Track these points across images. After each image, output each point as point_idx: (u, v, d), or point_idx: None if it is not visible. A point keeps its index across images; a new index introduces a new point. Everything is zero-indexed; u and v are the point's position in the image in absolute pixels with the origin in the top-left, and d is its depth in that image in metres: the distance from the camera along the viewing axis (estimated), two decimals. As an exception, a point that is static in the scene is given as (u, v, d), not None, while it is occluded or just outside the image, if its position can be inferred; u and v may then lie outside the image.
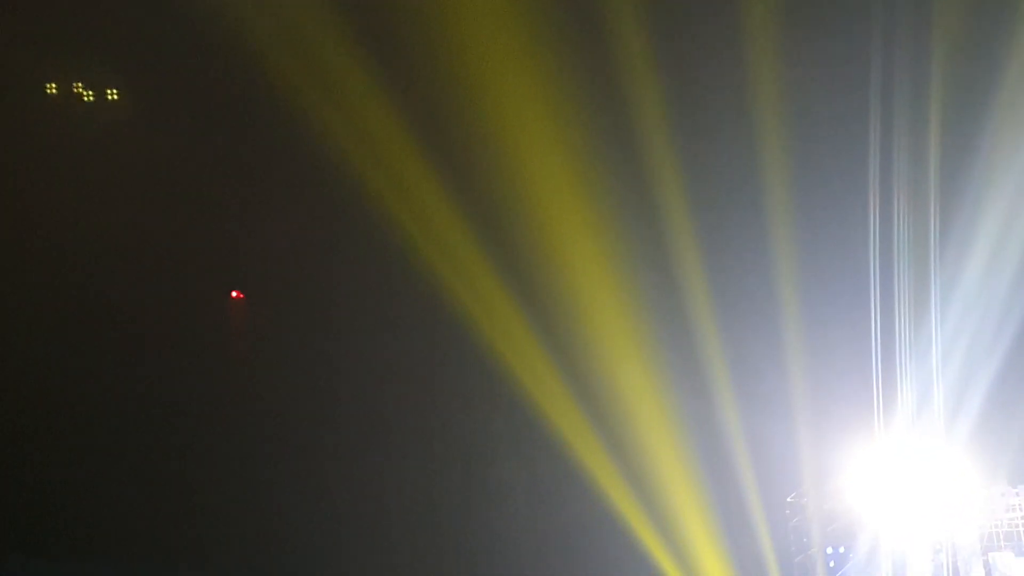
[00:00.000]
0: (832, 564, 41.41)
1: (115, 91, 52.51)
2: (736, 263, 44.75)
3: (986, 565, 40.92)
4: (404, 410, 48.51)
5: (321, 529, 45.86)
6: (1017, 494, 41.94)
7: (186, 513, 46.41)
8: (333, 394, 48.98)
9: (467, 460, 48.48)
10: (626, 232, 44.85)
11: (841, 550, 41.28)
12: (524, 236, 45.59)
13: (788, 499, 42.57)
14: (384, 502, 47.39)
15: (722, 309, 43.56)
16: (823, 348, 42.69)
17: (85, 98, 52.50)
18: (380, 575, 45.73)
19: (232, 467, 48.12)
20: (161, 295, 51.12)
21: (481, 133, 46.50)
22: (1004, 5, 35.14)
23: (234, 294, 52.78)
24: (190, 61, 49.59)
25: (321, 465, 47.93)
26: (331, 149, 46.04)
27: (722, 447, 43.04)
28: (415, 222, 46.00)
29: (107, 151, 51.21)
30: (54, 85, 52.04)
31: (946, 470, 39.12)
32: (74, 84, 52.14)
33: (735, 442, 43.04)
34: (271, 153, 51.30)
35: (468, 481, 48.27)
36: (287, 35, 45.22)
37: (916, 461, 38.84)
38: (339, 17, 44.95)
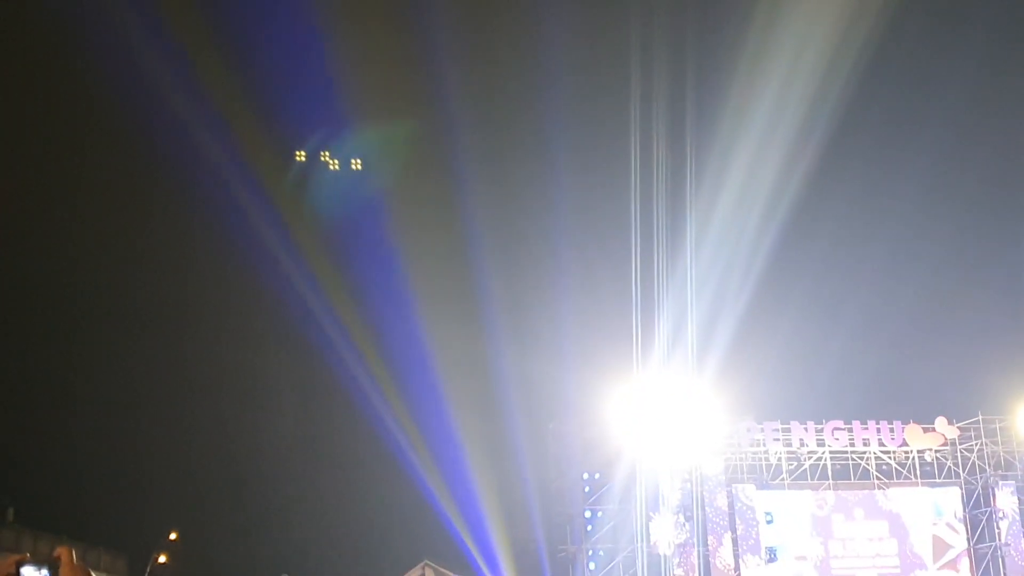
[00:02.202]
0: (587, 489, 43.23)
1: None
2: (511, 209, 45.79)
3: (729, 495, 43.61)
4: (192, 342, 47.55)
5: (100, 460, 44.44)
6: (762, 430, 44.72)
7: None
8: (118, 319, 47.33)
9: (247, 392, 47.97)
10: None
11: (597, 476, 43.12)
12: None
13: (550, 426, 44.03)
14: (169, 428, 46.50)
15: (495, 251, 44.50)
16: (587, 287, 44.29)
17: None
18: (159, 491, 45.07)
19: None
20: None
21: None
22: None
23: None
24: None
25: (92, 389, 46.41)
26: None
27: (491, 379, 44.11)
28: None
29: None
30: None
31: (696, 405, 41.21)
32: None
33: (503, 375, 44.22)
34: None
35: (247, 408, 47.79)
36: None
37: (669, 395, 40.78)
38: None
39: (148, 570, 37.96)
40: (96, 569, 36.31)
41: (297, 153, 51.36)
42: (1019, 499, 45.49)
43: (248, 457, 43.92)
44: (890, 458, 45.63)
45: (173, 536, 39.62)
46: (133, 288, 49.14)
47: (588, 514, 42.96)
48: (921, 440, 45.75)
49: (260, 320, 47.29)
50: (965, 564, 45.65)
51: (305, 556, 36.92)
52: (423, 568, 37.19)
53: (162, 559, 39.40)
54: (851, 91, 36.16)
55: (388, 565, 38.42)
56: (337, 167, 49.67)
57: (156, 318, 47.30)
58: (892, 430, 45.38)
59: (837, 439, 44.96)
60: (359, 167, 50.04)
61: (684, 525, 41.95)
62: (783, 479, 44.65)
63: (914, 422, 45.65)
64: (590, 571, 41.94)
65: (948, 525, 46.05)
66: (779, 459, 44.74)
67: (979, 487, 46.00)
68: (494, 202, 44.24)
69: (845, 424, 45.06)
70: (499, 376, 44.27)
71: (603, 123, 39.22)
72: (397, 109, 45.29)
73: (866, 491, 45.47)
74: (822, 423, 44.89)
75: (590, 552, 42.42)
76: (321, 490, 43.23)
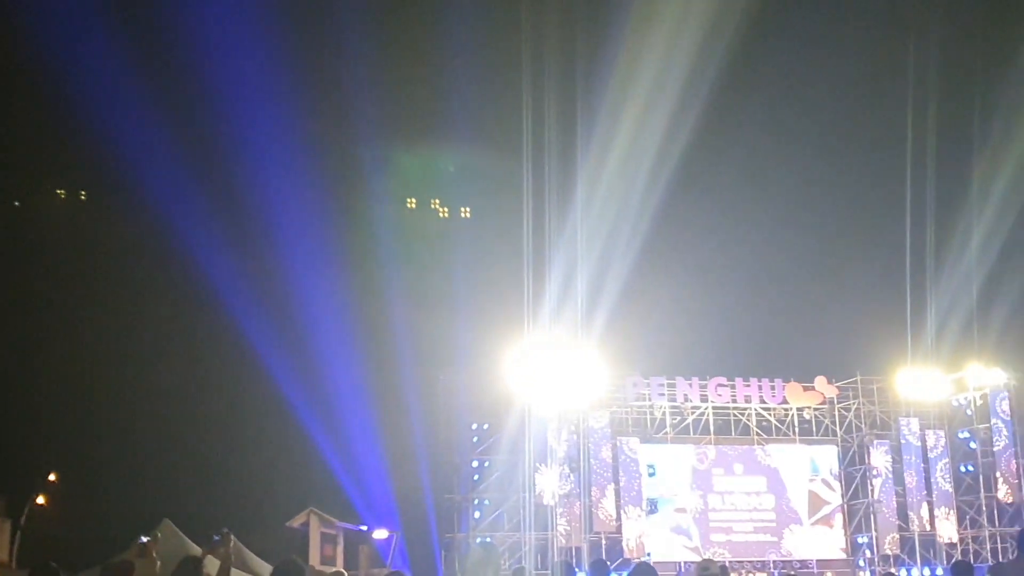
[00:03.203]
0: (475, 439, 43.70)
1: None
2: (404, 163, 45.66)
3: (614, 448, 44.53)
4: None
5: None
6: (648, 385, 45.71)
7: None
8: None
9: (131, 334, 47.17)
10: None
11: (485, 427, 43.61)
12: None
13: (440, 377, 44.29)
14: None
15: (388, 203, 44.41)
16: (479, 243, 44.59)
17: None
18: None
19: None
20: None
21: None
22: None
23: None
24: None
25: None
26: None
27: (383, 330, 44.13)
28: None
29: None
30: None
31: (585, 360, 41.87)
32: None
33: (395, 326, 44.36)
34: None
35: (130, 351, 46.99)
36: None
37: (558, 350, 41.33)
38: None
39: (26, 511, 37.47)
40: (-29, 509, 35.81)
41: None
42: (892, 458, 47.29)
43: (131, 400, 43.47)
44: (770, 415, 46.98)
45: (52, 477, 39.14)
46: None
47: (475, 464, 43.45)
48: (801, 398, 47.19)
49: (145, 265, 46.55)
50: (839, 519, 47.41)
51: (187, 501, 36.65)
52: (308, 515, 37.22)
53: (40, 500, 38.91)
54: (740, 51, 36.80)
55: (272, 512, 38.36)
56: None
57: (39, 257, 46.33)
58: (773, 388, 46.71)
59: (720, 395, 46.15)
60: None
61: (569, 476, 42.71)
62: (667, 433, 45.69)
63: (795, 381, 47.09)
64: (475, 519, 42.50)
65: (824, 481, 47.71)
66: (663, 413, 45.75)
67: (855, 445, 47.70)
68: (387, 155, 44.08)
69: (728, 381, 46.25)
70: (391, 327, 44.43)
71: (493, 82, 39.27)
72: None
73: (746, 447, 46.83)
74: (706, 379, 46.01)
75: (476, 501, 42.97)
76: (205, 435, 42.90)
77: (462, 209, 53.61)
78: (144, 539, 13.00)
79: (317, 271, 43.52)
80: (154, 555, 12.80)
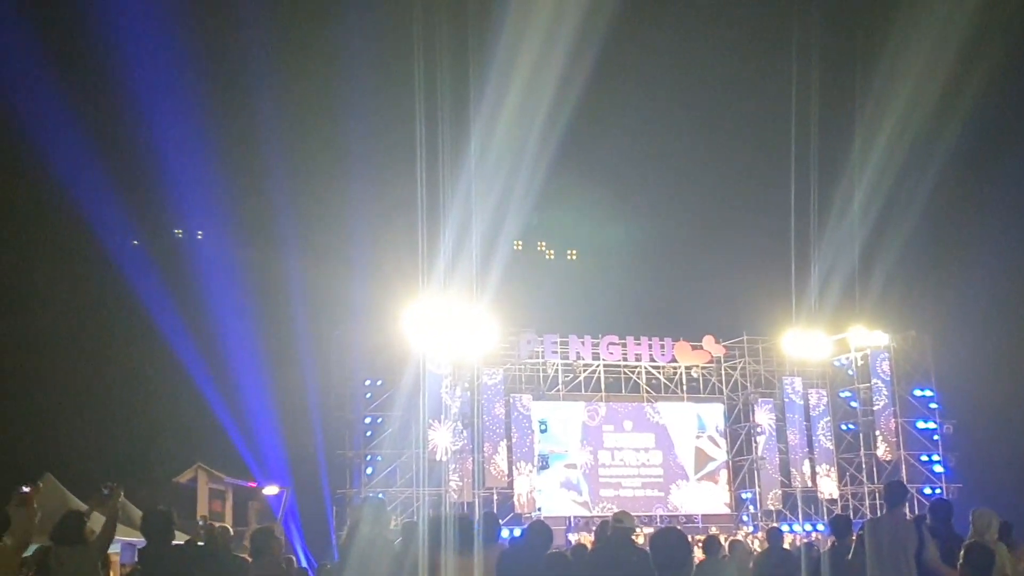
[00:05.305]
0: (369, 396, 43.64)
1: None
2: (302, 123, 44.93)
3: (507, 405, 44.99)
4: None
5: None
6: (542, 342, 46.26)
7: None
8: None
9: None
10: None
11: (379, 383, 43.56)
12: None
13: (335, 333, 44.07)
14: None
15: (284, 163, 43.70)
16: (375, 202, 44.46)
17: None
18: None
19: None
20: None
21: None
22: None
23: None
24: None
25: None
26: None
27: (277, 287, 43.56)
28: None
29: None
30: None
31: (478, 316, 42.03)
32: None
33: (290, 283, 43.86)
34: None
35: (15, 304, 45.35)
36: None
37: (454, 305, 41.35)
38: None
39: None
40: None
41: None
42: (775, 416, 48.79)
43: (12, 349, 42.05)
44: (660, 373, 48.00)
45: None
46: None
47: (368, 420, 43.43)
48: (689, 357, 48.28)
49: (30, 215, 44.94)
50: (724, 475, 48.81)
51: (70, 455, 35.72)
52: (196, 470, 36.76)
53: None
54: (628, 17, 36.96)
55: (160, 467, 37.76)
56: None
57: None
58: (663, 347, 47.74)
59: (611, 353, 46.99)
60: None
61: (462, 432, 43.04)
62: (559, 390, 46.36)
63: (684, 340, 48.14)
64: (367, 475, 42.56)
65: (710, 438, 49.03)
66: (556, 371, 46.41)
67: (740, 403, 49.10)
68: (284, 114, 43.34)
69: (620, 339, 47.12)
70: (285, 283, 43.93)
71: (388, 42, 38.62)
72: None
73: (636, 404, 47.81)
74: (598, 338, 46.79)
75: (368, 457, 43.01)
76: (90, 389, 41.88)
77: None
78: (25, 489, 12.69)
79: (211, 228, 42.62)
80: (35, 505, 12.53)
